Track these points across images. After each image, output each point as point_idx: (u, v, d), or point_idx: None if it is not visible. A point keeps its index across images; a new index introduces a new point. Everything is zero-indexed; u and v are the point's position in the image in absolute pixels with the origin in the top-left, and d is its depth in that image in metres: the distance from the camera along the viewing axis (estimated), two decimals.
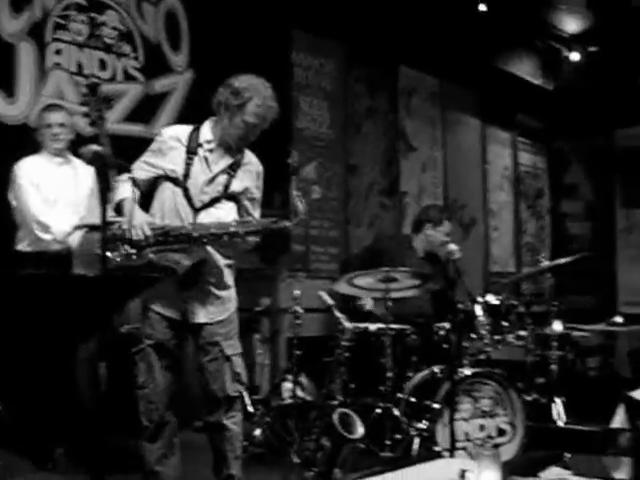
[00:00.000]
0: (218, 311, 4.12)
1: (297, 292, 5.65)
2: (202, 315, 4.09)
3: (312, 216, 7.91)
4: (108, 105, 3.78)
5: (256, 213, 4.21)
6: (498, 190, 11.07)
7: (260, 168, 4.26)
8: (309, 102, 8.23)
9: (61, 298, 2.56)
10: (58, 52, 6.19)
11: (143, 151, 4.30)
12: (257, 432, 5.56)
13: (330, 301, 5.43)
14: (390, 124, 9.16)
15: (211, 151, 4.12)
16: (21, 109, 5.94)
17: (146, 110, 6.70)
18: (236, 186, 4.11)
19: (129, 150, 4.23)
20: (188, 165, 4.06)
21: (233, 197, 4.13)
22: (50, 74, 6.15)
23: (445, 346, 5.53)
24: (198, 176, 4.06)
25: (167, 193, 4.10)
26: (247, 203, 4.18)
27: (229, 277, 4.20)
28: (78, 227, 4.60)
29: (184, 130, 4.20)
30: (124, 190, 4.08)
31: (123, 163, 4.02)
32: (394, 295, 5.35)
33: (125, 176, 4.12)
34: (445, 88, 9.95)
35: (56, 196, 5.02)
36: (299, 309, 5.62)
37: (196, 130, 4.19)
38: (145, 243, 3.91)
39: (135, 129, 6.55)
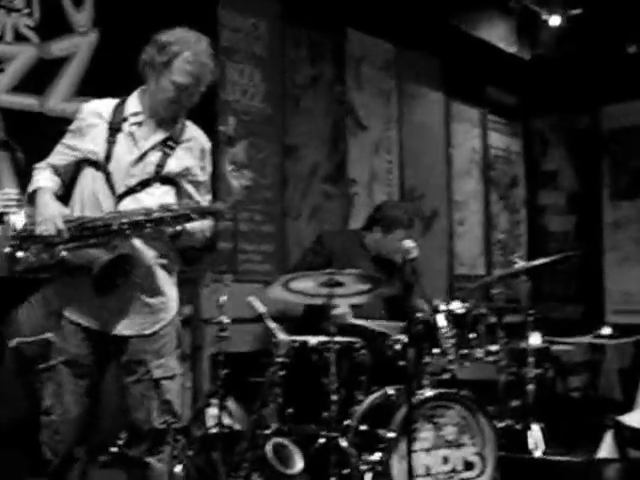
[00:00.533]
0: (146, 322, 4.02)
1: (223, 299, 5.65)
2: (125, 326, 3.98)
3: (242, 207, 7.88)
4: None
5: (203, 199, 4.13)
6: (465, 177, 11.12)
7: (206, 145, 4.22)
8: (238, 70, 8.16)
9: None
10: None
11: (36, 127, 4.24)
12: (177, 469, 5.48)
13: (262, 308, 5.41)
14: (336, 97, 9.13)
15: (139, 125, 4.05)
16: None
17: (40, 78, 6.54)
18: (173, 166, 4.04)
19: (19, 126, 4.17)
20: (110, 144, 3.99)
21: (169, 180, 4.05)
22: None
23: (401, 363, 5.52)
24: (123, 156, 3.98)
25: (87, 179, 4.03)
26: (189, 187, 4.10)
27: (164, 280, 4.09)
28: None
29: (108, 104, 4.14)
30: (40, 179, 4.03)
31: (9, 140, 3.96)
32: (340, 302, 5.34)
33: (44, 163, 4.08)
34: (402, 56, 9.94)
35: None
36: (225, 319, 5.62)
37: (122, 103, 4.13)
38: (58, 239, 3.80)
39: (26, 101, 6.40)
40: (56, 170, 4.08)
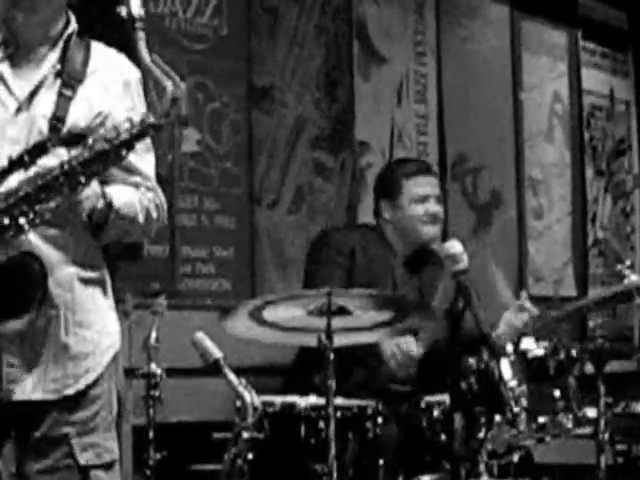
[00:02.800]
0: (67, 376, 3.96)
1: (153, 337, 5.67)
2: (30, 385, 3.93)
3: (183, 188, 7.89)
4: None
5: (146, 163, 4.09)
6: (544, 141, 11.15)
7: (131, 75, 4.13)
8: None
9: None
10: None
11: None
12: None
13: (216, 352, 5.36)
14: (336, 10, 9.15)
15: (10, 59, 3.99)
16: None
17: None
18: (79, 114, 3.94)
19: None
20: None
21: (79, 137, 3.88)
22: None
23: (443, 438, 5.48)
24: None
25: None
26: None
27: (93, 304, 4.05)
28: None
29: None
30: None
31: None
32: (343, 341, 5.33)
33: None
34: None
35: None
36: (157, 370, 5.66)
37: None
38: None
39: None
40: None
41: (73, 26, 4.02)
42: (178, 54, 8.09)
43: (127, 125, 3.73)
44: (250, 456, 5.31)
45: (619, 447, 6.45)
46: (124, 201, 3.90)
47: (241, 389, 5.28)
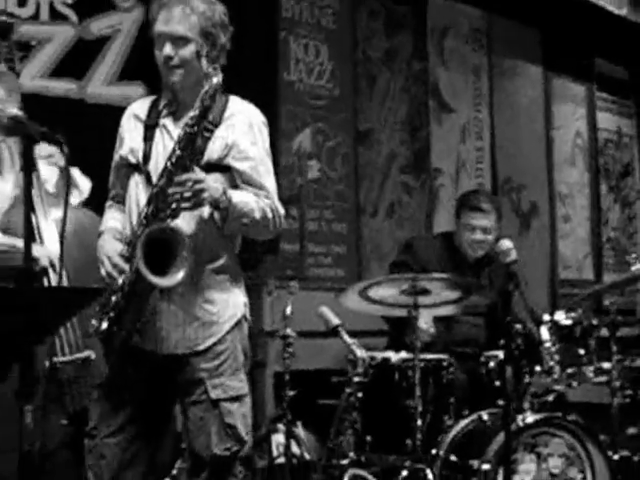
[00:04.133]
0: (199, 337, 4.02)
1: (289, 308, 5.68)
2: (176, 343, 4.01)
3: (309, 204, 7.95)
4: (26, 53, 3.78)
5: (266, 179, 4.08)
6: (569, 166, 11.11)
7: (256, 118, 4.16)
8: (303, 45, 8.23)
9: None
10: None
11: (73, 115, 4.32)
12: None
13: (335, 320, 5.41)
14: (416, 75, 9.17)
15: (174, 115, 4.08)
16: None
17: (79, 61, 6.66)
18: (214, 148, 4.00)
19: (57, 114, 4.24)
20: (147, 142, 4.05)
21: (215, 166, 4.00)
22: None
23: (497, 383, 5.52)
24: (160, 152, 4.01)
25: (132, 186, 4.10)
26: (238, 164, 4.03)
27: (221, 285, 4.09)
28: None
29: (145, 102, 4.23)
30: (104, 221, 4.22)
31: (49, 132, 4.04)
32: (426, 312, 5.36)
33: (109, 200, 4.25)
34: (494, 24, 9.95)
35: None
36: (292, 333, 5.64)
37: (159, 97, 4.19)
38: (117, 272, 3.91)
39: (64, 86, 6.52)
40: (118, 196, 4.22)
41: (218, 84, 3.91)
42: (305, 108, 8.12)
43: None
44: (359, 394, 5.37)
45: (627, 392, 6.40)
46: (241, 199, 3.91)
47: (353, 347, 5.34)
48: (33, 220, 4.48)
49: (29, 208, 3.22)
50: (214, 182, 3.87)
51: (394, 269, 6.19)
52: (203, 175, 3.82)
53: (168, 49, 3.93)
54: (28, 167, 3.22)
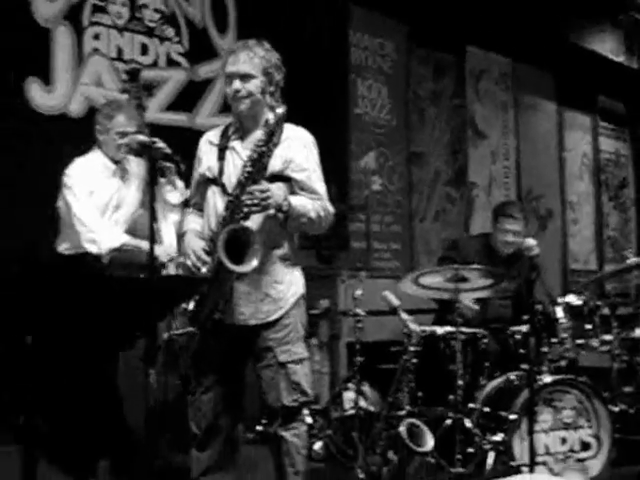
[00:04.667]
0: (269, 311, 4.03)
1: (358, 293, 5.64)
2: (248, 315, 4.02)
3: (373, 210, 7.94)
4: (149, 92, 3.80)
5: (318, 185, 4.08)
6: (577, 180, 11.00)
7: (307, 139, 4.14)
8: (368, 85, 8.22)
9: (105, 300, 2.56)
10: (97, 37, 6.27)
11: (186, 142, 4.35)
12: (317, 446, 5.55)
13: (396, 302, 5.40)
14: (457, 109, 9.14)
15: (241, 139, 4.09)
16: (59, 99, 6.03)
17: (190, 98, 6.75)
18: (275, 163, 3.99)
19: (171, 141, 4.27)
20: (221, 160, 4.06)
21: (277, 177, 4.01)
22: (88, 60, 6.23)
23: (522, 351, 5.46)
24: (232, 168, 4.03)
25: (209, 195, 4.11)
26: (296, 174, 4.04)
27: (286, 269, 4.09)
28: (123, 247, 4.73)
29: (217, 130, 4.23)
30: (185, 223, 4.23)
31: (170, 153, 4.05)
32: (464, 296, 5.33)
33: (190, 207, 4.27)
34: (518, 69, 9.90)
35: (107, 207, 4.91)
36: (360, 311, 5.62)
37: (229, 125, 4.20)
38: (200, 265, 3.94)
39: (178, 118, 6.61)
40: (197, 204, 4.23)
41: (272, 116, 3.92)
42: (370, 135, 8.12)
43: None
44: (413, 360, 5.35)
45: (624, 358, 6.32)
46: (299, 203, 3.94)
47: (408, 322, 5.33)
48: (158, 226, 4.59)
49: (152, 216, 3.24)
50: (278, 190, 3.92)
51: (442, 262, 6.16)
52: (268, 185, 3.87)
53: (237, 84, 3.98)
54: (152, 181, 3.25)
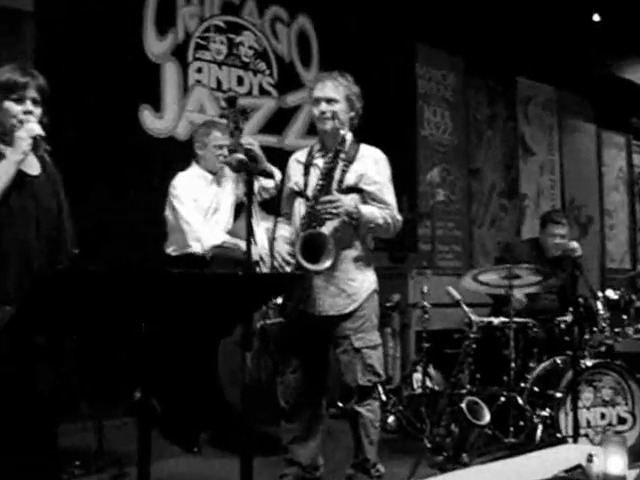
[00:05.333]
0: (345, 304, 4.00)
1: (425, 288, 5.62)
2: (327, 307, 4.00)
3: (438, 217, 7.91)
4: (245, 117, 3.81)
5: (388, 197, 4.05)
6: (613, 191, 10.84)
7: (378, 156, 4.11)
8: (432, 111, 8.20)
9: (209, 294, 2.55)
10: (199, 70, 6.41)
11: (276, 161, 4.36)
12: (390, 419, 5.54)
13: (458, 296, 5.34)
14: (510, 130, 9.08)
15: (322, 156, 4.06)
16: (167, 123, 6.17)
17: (279, 122, 6.80)
18: (350, 177, 3.99)
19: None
20: (305, 176, 4.04)
21: (352, 189, 3.99)
22: (192, 90, 6.37)
23: (567, 338, 5.36)
24: (313, 183, 4.01)
25: (296, 205, 4.10)
26: (368, 187, 4.01)
27: (359, 268, 4.05)
28: (224, 244, 4.80)
29: (304, 150, 4.23)
30: (276, 230, 4.16)
31: (266, 168, 4.05)
32: (516, 291, 5.27)
33: (281, 217, 4.24)
34: (561, 96, 9.81)
35: (208, 211, 5.02)
36: (427, 304, 5.60)
37: (314, 145, 4.18)
38: (285, 265, 3.97)
39: (269, 140, 6.63)
40: (287, 214, 4.20)
41: (349, 137, 4.01)
42: (434, 153, 8.10)
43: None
44: (473, 346, 5.29)
45: None
46: (369, 211, 3.93)
47: (469, 313, 5.27)
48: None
49: (250, 220, 3.26)
50: (350, 200, 3.91)
51: (498, 262, 6.11)
52: (338, 196, 3.87)
53: (323, 106, 3.99)
54: (250, 194, 3.25)
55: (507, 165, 8.99)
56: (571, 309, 5.20)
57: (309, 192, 4.00)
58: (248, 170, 3.35)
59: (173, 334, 4.16)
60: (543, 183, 9.48)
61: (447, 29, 7.96)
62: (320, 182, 3.91)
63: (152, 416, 2.43)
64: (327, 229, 3.88)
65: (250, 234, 3.26)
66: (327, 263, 3.80)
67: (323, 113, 3.99)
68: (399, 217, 4.07)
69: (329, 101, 3.99)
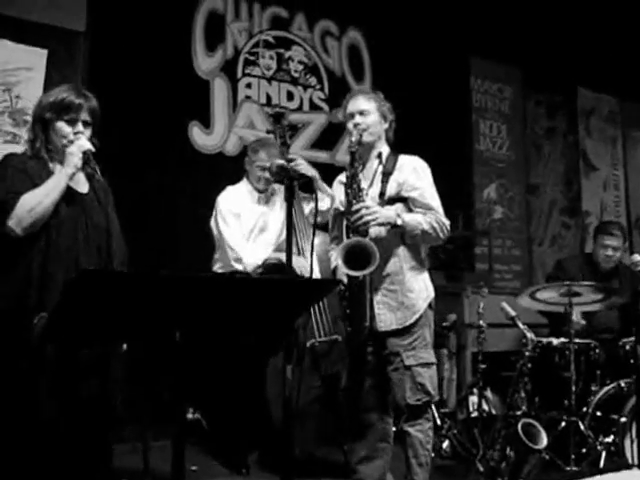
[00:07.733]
0: (403, 317, 4.01)
1: (481, 307, 5.58)
2: (389, 322, 4.01)
3: (495, 235, 7.87)
4: (292, 132, 3.86)
5: (431, 201, 4.06)
6: None
7: (417, 163, 4.14)
8: (488, 125, 8.16)
9: (244, 298, 2.56)
10: (249, 86, 6.50)
11: (327, 177, 4.39)
12: (445, 444, 5.49)
13: (512, 312, 5.27)
14: (570, 144, 8.97)
15: (361, 169, 4.09)
16: (217, 140, 6.28)
17: (330, 138, 6.82)
18: (390, 189, 4.04)
19: None
20: (347, 194, 4.04)
21: (395, 199, 4.04)
22: (241, 106, 6.47)
23: (632, 361, 5.26)
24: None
25: (344, 226, 4.11)
26: (410, 194, 4.04)
27: (416, 278, 4.09)
28: (266, 263, 4.84)
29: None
30: (332, 259, 4.29)
31: (306, 175, 4.08)
32: (577, 309, 5.20)
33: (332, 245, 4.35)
34: (625, 107, 9.64)
35: (253, 230, 5.04)
36: (483, 324, 5.55)
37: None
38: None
39: (320, 155, 6.68)
40: (336, 238, 4.27)
41: (386, 149, 4.13)
42: (490, 169, 8.05)
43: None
44: (529, 365, 5.22)
45: None
46: (412, 218, 3.96)
47: (526, 332, 5.20)
48: (299, 241, 4.62)
49: (290, 230, 3.26)
50: (394, 210, 3.97)
51: (549, 280, 6.06)
52: (369, 203, 3.92)
53: (357, 118, 4.08)
54: (290, 201, 3.28)
55: (568, 181, 8.89)
56: (635, 328, 5.12)
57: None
58: (290, 176, 3.38)
59: (219, 350, 4.21)
60: (606, 199, 9.33)
61: (502, 40, 7.93)
62: (347, 191, 3.99)
63: (202, 438, 2.44)
64: (370, 237, 3.90)
65: (290, 239, 3.27)
66: (371, 267, 3.79)
67: (357, 125, 4.06)
68: (446, 220, 4.06)
69: (362, 113, 4.09)
